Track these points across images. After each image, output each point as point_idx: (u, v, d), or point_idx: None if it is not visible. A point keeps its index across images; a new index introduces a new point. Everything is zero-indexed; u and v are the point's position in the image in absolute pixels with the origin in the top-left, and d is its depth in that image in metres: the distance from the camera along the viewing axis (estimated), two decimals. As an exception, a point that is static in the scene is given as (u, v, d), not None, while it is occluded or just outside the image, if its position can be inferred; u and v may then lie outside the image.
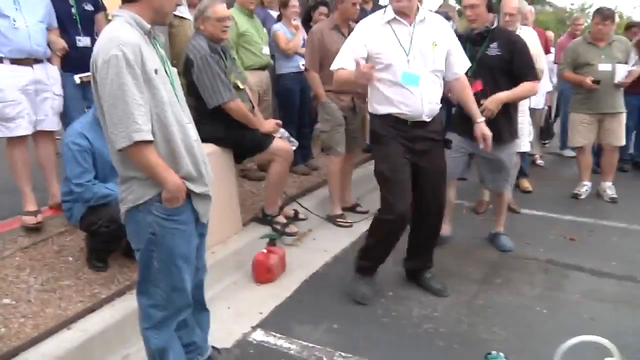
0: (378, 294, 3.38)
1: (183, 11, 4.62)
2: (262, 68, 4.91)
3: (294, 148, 4.02)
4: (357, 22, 4.42)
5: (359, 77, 2.85)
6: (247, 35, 4.70)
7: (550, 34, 7.88)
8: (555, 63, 6.60)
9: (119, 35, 1.91)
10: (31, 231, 3.55)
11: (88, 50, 3.62)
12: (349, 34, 4.26)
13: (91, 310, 2.84)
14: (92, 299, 2.94)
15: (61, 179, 3.52)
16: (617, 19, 5.65)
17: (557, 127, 7.51)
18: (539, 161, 6.61)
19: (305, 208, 4.48)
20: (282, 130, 4.00)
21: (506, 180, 3.93)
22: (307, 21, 5.54)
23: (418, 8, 3.04)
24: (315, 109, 4.79)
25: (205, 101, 3.61)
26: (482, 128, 3.26)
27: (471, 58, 3.43)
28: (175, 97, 2.10)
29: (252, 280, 3.56)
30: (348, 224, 4.51)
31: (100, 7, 4.07)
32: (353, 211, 4.78)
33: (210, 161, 2.28)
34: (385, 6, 3.17)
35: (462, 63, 3.20)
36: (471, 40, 3.70)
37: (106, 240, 3.15)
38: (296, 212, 4.39)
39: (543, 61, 4.85)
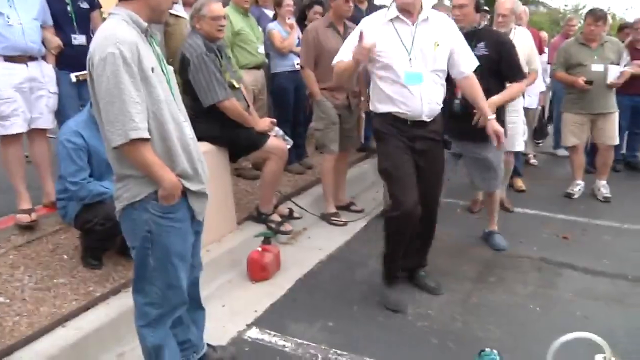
0: (372, 292, 3.39)
1: (178, 9, 4.61)
2: (257, 67, 4.91)
3: (288, 146, 4.04)
4: (351, 20, 4.48)
5: (356, 53, 2.82)
6: (242, 34, 4.70)
7: (544, 34, 7.92)
8: (548, 63, 6.63)
9: (116, 33, 1.91)
10: (25, 229, 3.55)
11: (84, 48, 3.61)
12: (344, 32, 4.30)
13: (86, 308, 2.84)
14: (87, 297, 2.94)
15: (55, 177, 3.52)
16: (609, 20, 5.70)
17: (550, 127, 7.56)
18: (532, 161, 6.65)
19: (300, 206, 4.49)
20: (276, 128, 4.01)
21: (495, 179, 3.94)
22: (301, 20, 5.55)
23: (422, 7, 3.03)
24: (310, 108, 4.80)
25: (200, 100, 3.62)
26: (494, 125, 3.20)
27: None
28: (172, 95, 2.10)
29: (247, 279, 3.56)
30: (342, 222, 4.52)
31: (95, 5, 4.06)
32: (347, 210, 4.79)
33: (206, 160, 2.29)
34: (382, 6, 3.17)
35: (469, 62, 3.16)
36: None
37: (101, 238, 3.15)
38: (291, 211, 4.40)
39: (538, 61, 4.89)
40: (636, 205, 5.11)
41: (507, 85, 3.70)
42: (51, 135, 3.99)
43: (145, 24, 2.02)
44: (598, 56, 5.07)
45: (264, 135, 3.85)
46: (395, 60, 2.98)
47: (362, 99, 4.63)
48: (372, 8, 6.03)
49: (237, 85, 3.86)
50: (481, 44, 3.64)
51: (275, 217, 4.14)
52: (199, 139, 2.29)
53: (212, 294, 3.27)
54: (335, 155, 4.47)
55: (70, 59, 3.77)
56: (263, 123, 3.90)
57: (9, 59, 3.47)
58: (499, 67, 3.64)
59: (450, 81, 3.27)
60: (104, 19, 2.30)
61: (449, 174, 4.03)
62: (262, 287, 3.49)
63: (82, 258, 3.26)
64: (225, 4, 4.19)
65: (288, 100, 5.21)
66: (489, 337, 2.90)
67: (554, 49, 6.29)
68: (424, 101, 3.01)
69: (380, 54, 2.99)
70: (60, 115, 3.83)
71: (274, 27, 5.15)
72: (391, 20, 3.01)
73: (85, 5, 3.95)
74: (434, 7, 3.70)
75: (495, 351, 2.46)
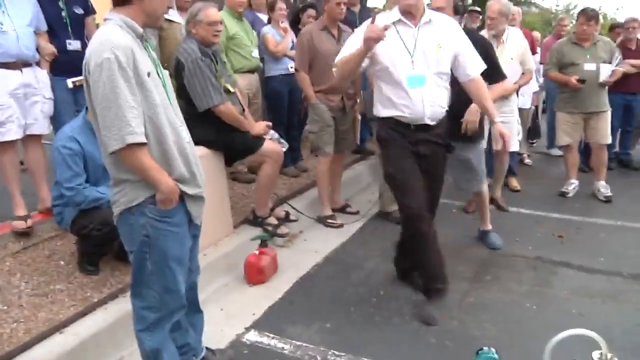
0: (369, 293, 3.41)
1: (172, 14, 4.62)
2: (251, 71, 4.92)
3: (284, 150, 4.04)
4: (344, 23, 4.50)
5: (369, 32, 2.71)
6: (237, 38, 4.71)
7: (536, 34, 7.97)
8: (541, 63, 6.68)
9: (111, 38, 1.92)
10: (21, 236, 3.54)
11: (78, 54, 3.63)
12: (338, 35, 4.32)
13: (83, 314, 2.83)
14: (84, 302, 2.94)
15: (50, 184, 3.51)
16: (601, 20, 5.74)
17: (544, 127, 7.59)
18: (527, 160, 6.69)
19: (296, 209, 4.50)
20: (272, 132, 4.01)
21: (477, 179, 3.96)
22: (295, 23, 5.57)
23: (424, 9, 3.02)
24: (305, 111, 4.81)
25: (196, 104, 3.62)
26: (500, 128, 3.14)
27: None
28: (168, 99, 2.11)
29: (244, 282, 3.57)
30: (338, 224, 4.53)
31: (90, 11, 4.06)
32: (343, 212, 4.80)
33: (201, 164, 2.30)
34: (374, 9, 3.17)
35: (474, 64, 3.11)
36: None
37: (98, 243, 3.14)
38: (287, 214, 4.41)
39: (532, 61, 4.92)
40: (631, 203, 5.15)
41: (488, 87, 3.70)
42: (46, 142, 3.98)
43: (141, 29, 2.03)
44: (590, 55, 5.11)
45: (259, 139, 3.86)
46: (397, 62, 2.96)
47: (358, 100, 4.65)
48: (365, 11, 6.07)
49: (232, 90, 3.86)
50: None
51: (272, 220, 4.15)
52: (194, 143, 2.30)
53: (209, 298, 3.28)
54: (330, 158, 4.48)
55: (65, 65, 3.76)
56: (258, 127, 3.91)
57: (3, 65, 3.46)
58: None
59: None
60: (97, 25, 2.31)
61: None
62: (259, 290, 3.49)
63: (79, 264, 3.26)
64: (219, 8, 4.19)
65: (282, 103, 5.22)
66: (486, 336, 2.92)
67: (546, 49, 6.33)
68: (426, 104, 2.98)
69: (382, 56, 2.97)
70: (56, 121, 3.83)
71: (268, 31, 5.16)
72: (393, 23, 2.98)
73: (79, 11, 3.95)
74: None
75: (493, 349, 2.48)
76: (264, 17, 5.52)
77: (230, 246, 3.81)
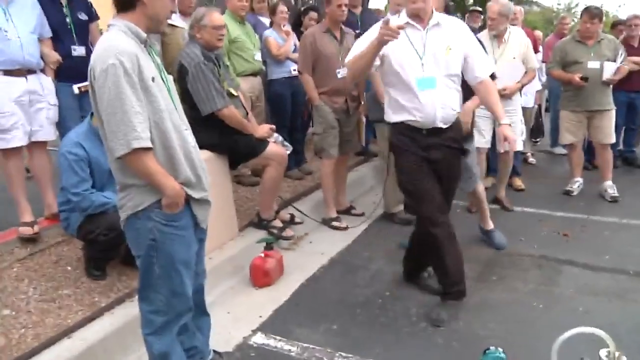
0: (375, 294, 3.41)
1: (175, 19, 4.64)
2: (254, 74, 4.94)
3: (288, 152, 4.05)
4: (346, 25, 4.51)
5: (384, 29, 2.65)
6: (239, 42, 4.73)
7: (538, 33, 7.97)
8: (543, 62, 6.67)
9: (116, 44, 1.94)
10: (28, 242, 3.56)
11: (83, 60, 3.64)
12: (340, 37, 4.33)
13: (91, 319, 2.85)
14: (91, 307, 2.96)
15: (56, 189, 3.53)
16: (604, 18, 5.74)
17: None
18: (530, 159, 6.68)
19: (301, 211, 4.51)
20: (276, 134, 4.02)
21: (471, 178, 3.96)
22: (297, 26, 5.59)
23: (432, 12, 3.00)
24: (309, 113, 4.82)
25: (199, 108, 3.64)
26: (505, 131, 3.07)
27: None
28: (173, 103, 2.13)
29: (250, 285, 3.57)
30: (343, 226, 4.53)
31: (94, 17, 4.07)
32: (348, 214, 4.80)
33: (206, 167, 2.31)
34: (376, 11, 3.18)
35: (483, 66, 3.09)
36: None
37: (104, 248, 3.16)
38: (292, 216, 4.42)
39: (535, 60, 4.92)
40: (635, 201, 5.13)
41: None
42: (52, 148, 4.01)
43: (145, 35, 2.05)
44: (594, 53, 5.10)
45: (263, 142, 3.87)
46: (407, 65, 2.95)
47: (362, 102, 4.65)
48: (366, 13, 6.08)
49: (235, 93, 3.88)
50: None
51: (277, 223, 4.16)
52: (199, 147, 2.32)
53: (216, 301, 3.28)
54: (334, 160, 4.49)
55: (70, 71, 3.78)
56: (262, 130, 3.92)
57: (7, 72, 3.48)
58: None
59: None
60: (101, 31, 2.33)
61: None
62: (265, 292, 3.50)
63: (86, 269, 3.28)
64: (221, 12, 4.21)
65: (285, 106, 5.23)
66: (492, 335, 2.91)
67: (548, 48, 6.33)
68: (438, 106, 2.97)
69: (391, 60, 2.97)
70: (61, 127, 3.84)
71: (270, 34, 5.18)
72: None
73: (83, 17, 3.96)
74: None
75: (500, 349, 2.48)
76: (265, 21, 5.54)
77: (235, 249, 3.82)
